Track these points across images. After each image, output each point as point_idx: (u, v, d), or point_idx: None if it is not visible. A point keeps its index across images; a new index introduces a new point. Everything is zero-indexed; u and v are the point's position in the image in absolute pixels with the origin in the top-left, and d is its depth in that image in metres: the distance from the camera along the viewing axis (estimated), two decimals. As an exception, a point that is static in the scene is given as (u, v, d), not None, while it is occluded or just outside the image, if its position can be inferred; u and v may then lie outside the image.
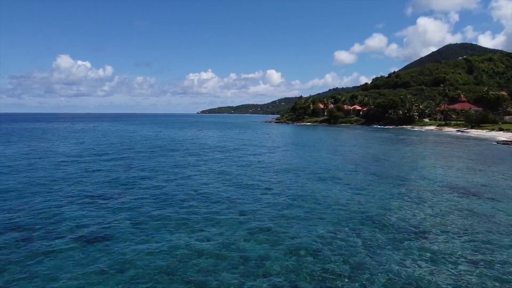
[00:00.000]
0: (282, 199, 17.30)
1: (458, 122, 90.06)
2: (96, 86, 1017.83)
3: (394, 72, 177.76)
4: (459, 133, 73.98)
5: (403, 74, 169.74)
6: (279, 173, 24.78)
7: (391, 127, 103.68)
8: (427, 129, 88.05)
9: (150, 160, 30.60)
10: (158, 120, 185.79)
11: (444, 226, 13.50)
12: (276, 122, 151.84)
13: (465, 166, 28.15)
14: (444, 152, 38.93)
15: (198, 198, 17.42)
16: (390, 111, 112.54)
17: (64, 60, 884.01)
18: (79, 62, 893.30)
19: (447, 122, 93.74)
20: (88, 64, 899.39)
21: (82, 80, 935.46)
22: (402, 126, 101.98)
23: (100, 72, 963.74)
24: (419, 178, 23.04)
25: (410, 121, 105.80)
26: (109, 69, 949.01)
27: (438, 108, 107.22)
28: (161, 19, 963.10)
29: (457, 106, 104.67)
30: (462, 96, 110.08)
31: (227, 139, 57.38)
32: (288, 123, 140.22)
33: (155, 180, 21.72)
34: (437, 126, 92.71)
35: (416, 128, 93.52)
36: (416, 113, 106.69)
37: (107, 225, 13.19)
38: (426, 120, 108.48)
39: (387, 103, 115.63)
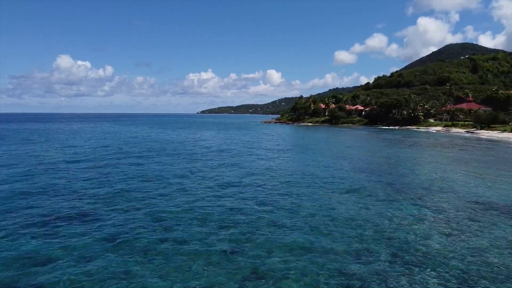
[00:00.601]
0: (288, 221, 13.75)
1: (466, 123, 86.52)
2: (96, 86, 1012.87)
3: (397, 71, 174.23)
4: (468, 134, 70.45)
5: (406, 73, 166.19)
6: (283, 184, 21.22)
7: (395, 127, 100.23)
8: (434, 130, 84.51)
9: (135, 167, 27.02)
10: (156, 121, 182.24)
11: (501, 269, 9.95)
12: (276, 123, 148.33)
13: (496, 175, 24.58)
14: (464, 157, 35.35)
15: (183, 222, 13.85)
16: (394, 111, 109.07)
17: (64, 60, 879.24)
18: (79, 62, 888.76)
19: (454, 122, 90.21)
20: (88, 64, 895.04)
21: (82, 80, 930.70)
22: (407, 127, 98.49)
23: (100, 72, 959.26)
24: (448, 191, 19.47)
25: (415, 121, 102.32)
26: (109, 69, 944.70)
27: (444, 108, 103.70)
28: (161, 19, 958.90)
29: (464, 106, 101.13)
30: (470, 95, 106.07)
31: (224, 141, 53.84)
32: (288, 124, 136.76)
33: (134, 194, 18.14)
34: (444, 126, 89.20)
35: (422, 129, 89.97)
36: (421, 113, 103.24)
37: (52, 271, 9.62)
38: (431, 120, 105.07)
39: (391, 102, 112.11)
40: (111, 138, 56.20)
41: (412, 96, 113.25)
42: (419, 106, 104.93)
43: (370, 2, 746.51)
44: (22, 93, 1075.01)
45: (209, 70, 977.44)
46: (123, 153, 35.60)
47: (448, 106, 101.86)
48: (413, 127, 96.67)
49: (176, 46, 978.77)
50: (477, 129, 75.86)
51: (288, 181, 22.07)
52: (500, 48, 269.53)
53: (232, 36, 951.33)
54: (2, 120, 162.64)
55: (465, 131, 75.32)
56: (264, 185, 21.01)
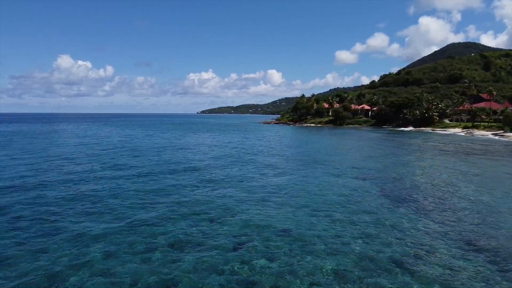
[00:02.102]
0: None
1: (490, 124, 77.15)
2: (96, 86, 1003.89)
3: (404, 68, 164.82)
4: (497, 137, 61.18)
5: (415, 70, 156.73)
6: (292, 232, 12.03)
7: (407, 129, 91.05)
8: (454, 132, 75.16)
9: (77, 201, 17.82)
10: (153, 121, 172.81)
11: None
12: (276, 123, 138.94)
13: None
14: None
15: None
16: (405, 111, 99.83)
17: (64, 60, 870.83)
18: (80, 62, 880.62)
19: (475, 123, 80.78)
20: (88, 64, 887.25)
21: (82, 80, 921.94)
22: (421, 128, 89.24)
23: (101, 72, 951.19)
24: None
25: (429, 122, 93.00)
26: (109, 69, 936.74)
27: (461, 108, 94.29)
28: (161, 19, 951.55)
29: (482, 105, 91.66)
30: (494, 93, 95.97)
31: (213, 149, 44.62)
32: (289, 124, 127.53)
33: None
34: (463, 128, 79.86)
35: (439, 131, 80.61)
36: (436, 113, 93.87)
37: None
38: (447, 121, 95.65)
39: (402, 102, 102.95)
40: (83, 144, 46.99)
41: (425, 94, 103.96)
42: (433, 105, 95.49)
43: (371, 2, 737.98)
44: (23, 93, 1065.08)
45: (210, 70, 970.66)
46: (78, 168, 26.38)
47: (466, 106, 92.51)
48: (427, 129, 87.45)
49: (176, 46, 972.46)
50: (505, 131, 66.47)
51: (297, 223, 12.82)
52: (501, 47, 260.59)
53: (232, 36, 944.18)
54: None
55: (492, 134, 65.94)
56: (265, 230, 11.82)
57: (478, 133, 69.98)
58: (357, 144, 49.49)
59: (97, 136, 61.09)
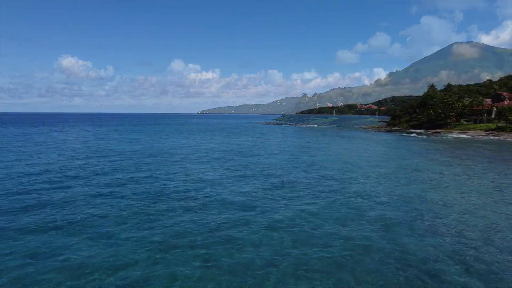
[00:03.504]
0: None
1: (517, 126, 68.23)
2: (97, 86, 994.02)
3: (412, 65, 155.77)
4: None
5: (424, 67, 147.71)
6: None
7: (421, 130, 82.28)
8: (477, 135, 66.37)
9: None
10: (143, 121, 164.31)
11: None
12: (276, 124, 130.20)
13: None
14: None
15: None
16: (418, 111, 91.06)
17: (65, 60, 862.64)
18: (80, 62, 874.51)
19: (499, 126, 71.82)
20: (89, 64, 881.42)
21: (83, 79, 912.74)
22: (437, 130, 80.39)
23: (102, 72, 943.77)
24: None
25: (445, 123, 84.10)
26: (110, 69, 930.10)
27: (480, 107, 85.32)
28: (162, 18, 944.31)
29: (505, 104, 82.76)
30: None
31: (208, 157, 36.06)
32: (291, 125, 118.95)
33: None
34: (486, 130, 70.95)
35: (459, 134, 71.75)
36: (453, 114, 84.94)
37: None
38: (464, 122, 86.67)
39: (414, 101, 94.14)
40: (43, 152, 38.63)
41: (438, 93, 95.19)
42: (449, 105, 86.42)
43: (374, 1, 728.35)
44: (24, 92, 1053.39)
45: (211, 70, 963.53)
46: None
47: (487, 105, 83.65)
48: (444, 130, 78.63)
49: (177, 46, 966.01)
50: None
51: None
52: (503, 47, 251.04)
53: (233, 36, 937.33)
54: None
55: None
56: None
57: (507, 136, 61.16)
58: (374, 151, 40.80)
59: (76, 142, 52.56)
